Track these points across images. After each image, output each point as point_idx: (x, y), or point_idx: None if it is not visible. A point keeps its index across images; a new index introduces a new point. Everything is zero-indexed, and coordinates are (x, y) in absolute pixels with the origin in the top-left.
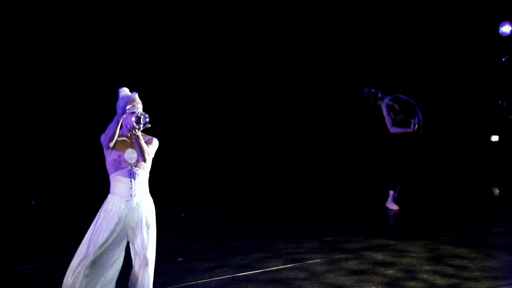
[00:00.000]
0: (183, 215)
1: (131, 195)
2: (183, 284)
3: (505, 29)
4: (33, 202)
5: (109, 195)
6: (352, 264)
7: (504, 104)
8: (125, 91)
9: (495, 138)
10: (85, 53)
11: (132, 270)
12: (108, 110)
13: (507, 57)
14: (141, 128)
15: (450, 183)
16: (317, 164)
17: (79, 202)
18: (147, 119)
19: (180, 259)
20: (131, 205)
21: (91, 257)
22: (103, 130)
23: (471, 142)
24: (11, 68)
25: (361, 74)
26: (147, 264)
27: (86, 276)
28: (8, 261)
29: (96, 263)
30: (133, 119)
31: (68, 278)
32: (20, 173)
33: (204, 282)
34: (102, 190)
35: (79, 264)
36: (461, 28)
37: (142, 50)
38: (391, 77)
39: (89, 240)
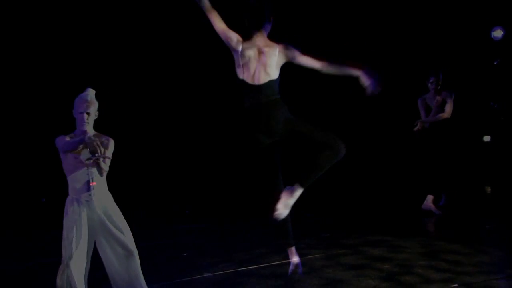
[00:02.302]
0: (187, 212)
1: (90, 195)
2: (187, 278)
3: (497, 33)
4: (43, 200)
5: (69, 197)
6: (350, 259)
7: (496, 106)
8: (86, 91)
9: (487, 138)
10: (92, 55)
11: (112, 266)
12: (110, 111)
13: (498, 60)
14: (98, 159)
15: (444, 181)
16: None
17: None
18: (101, 149)
19: (185, 254)
20: (93, 204)
21: (68, 260)
22: (107, 128)
23: (464, 142)
24: (19, 66)
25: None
26: (132, 254)
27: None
28: (19, 258)
29: (77, 264)
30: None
31: (58, 280)
32: (30, 171)
33: (208, 276)
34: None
35: (61, 268)
36: (455, 33)
37: (144, 52)
38: (386, 78)
39: (64, 246)
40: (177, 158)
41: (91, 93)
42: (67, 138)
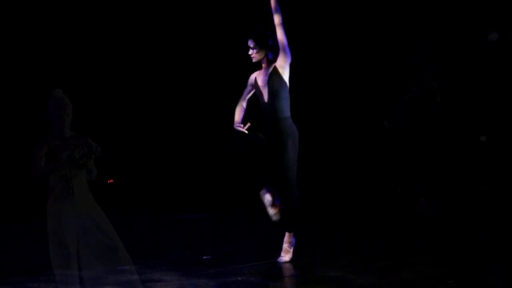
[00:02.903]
0: (190, 210)
1: (73, 196)
2: (189, 276)
3: (493, 36)
4: None
5: (51, 198)
6: (347, 256)
7: (491, 106)
8: (57, 92)
9: (483, 138)
10: (93, 55)
11: (99, 263)
12: (112, 110)
13: (493, 62)
14: (93, 158)
15: (439, 181)
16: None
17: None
18: (99, 149)
19: (188, 251)
20: (74, 204)
21: (66, 261)
22: (112, 126)
23: (461, 142)
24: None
25: (356, 79)
26: (116, 250)
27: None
28: (29, 254)
29: (75, 263)
30: (85, 149)
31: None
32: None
33: (210, 273)
34: (111, 187)
35: (59, 270)
36: (452, 36)
37: (144, 52)
38: (383, 79)
39: (54, 247)
40: (178, 158)
41: (62, 93)
42: (44, 149)
